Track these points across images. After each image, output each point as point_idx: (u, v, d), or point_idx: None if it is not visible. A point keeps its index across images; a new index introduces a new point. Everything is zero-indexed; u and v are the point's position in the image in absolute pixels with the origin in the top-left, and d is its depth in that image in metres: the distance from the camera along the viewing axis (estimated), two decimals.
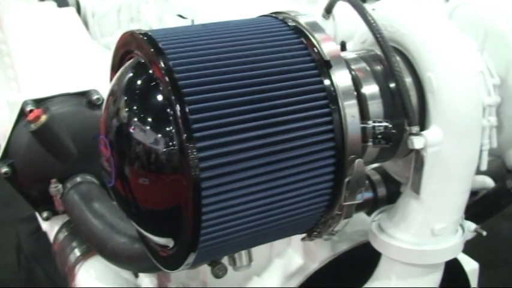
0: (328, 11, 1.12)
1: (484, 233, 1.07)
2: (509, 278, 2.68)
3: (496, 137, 0.99)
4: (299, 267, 1.20)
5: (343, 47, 1.09)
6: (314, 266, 1.17)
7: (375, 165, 1.15)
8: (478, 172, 1.01)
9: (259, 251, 0.92)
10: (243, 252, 0.89)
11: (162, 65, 0.75)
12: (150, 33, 0.81)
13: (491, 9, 1.00)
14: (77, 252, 1.34)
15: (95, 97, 1.37)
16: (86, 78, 1.50)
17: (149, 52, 0.78)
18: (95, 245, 1.22)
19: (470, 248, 1.51)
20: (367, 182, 1.15)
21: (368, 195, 1.15)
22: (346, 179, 0.82)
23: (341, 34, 1.16)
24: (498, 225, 2.92)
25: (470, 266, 1.35)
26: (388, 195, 1.15)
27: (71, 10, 2.09)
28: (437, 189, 0.92)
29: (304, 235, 0.93)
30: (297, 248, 1.21)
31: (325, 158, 0.81)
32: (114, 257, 1.18)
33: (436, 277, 1.00)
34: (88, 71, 1.61)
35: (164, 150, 0.75)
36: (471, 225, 1.05)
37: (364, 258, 1.06)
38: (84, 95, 1.38)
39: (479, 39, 0.98)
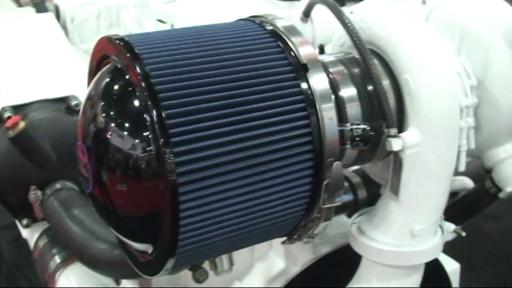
0: (306, 14, 1.13)
1: (464, 234, 1.07)
2: (492, 278, 2.70)
3: (473, 138, 1.00)
4: (281, 270, 1.20)
5: (321, 50, 1.10)
6: (296, 269, 1.17)
7: (355, 167, 1.15)
8: (458, 173, 1.02)
9: (240, 255, 0.92)
10: (224, 257, 0.89)
11: (138, 70, 0.75)
12: (126, 39, 0.80)
13: (467, 11, 1.01)
14: (57, 259, 1.34)
15: (73, 103, 1.36)
16: (65, 84, 1.49)
17: (125, 57, 0.77)
18: (74, 252, 1.21)
19: (451, 248, 1.52)
20: (347, 184, 1.15)
21: (348, 197, 1.15)
22: (325, 182, 0.82)
23: (320, 37, 1.17)
24: (481, 226, 2.94)
25: (451, 267, 1.36)
26: (368, 197, 1.15)
27: (50, 16, 2.07)
28: (416, 191, 0.92)
29: (284, 238, 0.93)
30: (278, 252, 1.21)
31: (303, 161, 0.81)
32: (94, 263, 1.17)
33: (417, 278, 1.00)
34: (67, 76, 1.60)
35: (141, 155, 0.74)
36: (450, 226, 1.05)
37: (345, 261, 1.06)
38: (63, 100, 1.38)
39: (455, 41, 0.99)
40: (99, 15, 2.12)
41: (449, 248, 1.51)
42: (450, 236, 1.14)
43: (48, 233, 1.39)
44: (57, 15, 2.16)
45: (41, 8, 2.17)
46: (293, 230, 0.89)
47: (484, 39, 0.99)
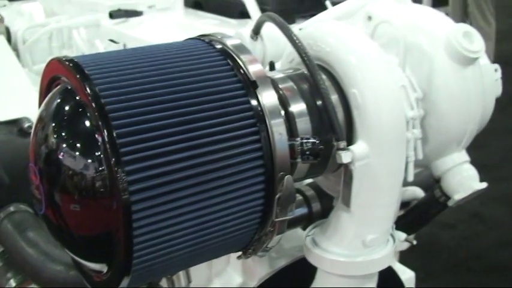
0: (256, 32, 1.14)
1: (415, 242, 1.10)
2: (448, 286, 2.75)
3: (421, 148, 1.02)
4: (239, 285, 1.21)
5: (271, 66, 1.11)
6: (253, 283, 1.18)
7: (308, 180, 1.17)
8: (409, 183, 1.04)
9: (198, 272, 0.92)
10: (181, 273, 0.89)
11: (89, 90, 0.76)
12: (76, 60, 0.81)
13: (411, 25, 1.04)
14: (12, 283, 1.32)
15: (26, 125, 1.35)
16: (17, 106, 1.48)
17: (75, 78, 0.78)
18: (30, 274, 1.20)
19: (408, 258, 1.55)
20: (301, 198, 1.17)
21: (303, 210, 1.17)
22: (277, 196, 0.84)
23: (270, 54, 1.18)
24: (438, 235, 2.99)
25: (406, 275, 1.39)
26: (322, 210, 1.17)
27: (0, 38, 2.05)
28: (367, 202, 0.95)
29: (240, 253, 0.94)
30: (236, 267, 1.22)
31: (255, 175, 0.83)
32: (50, 285, 1.16)
33: (371, 287, 1.02)
34: (19, 98, 1.59)
35: (93, 175, 0.75)
36: (402, 235, 1.08)
37: (302, 273, 1.07)
38: (15, 123, 1.37)
39: (400, 55, 1.01)
40: (51, 36, 2.12)
41: (406, 258, 1.54)
42: (404, 246, 1.16)
43: (3, 257, 1.38)
44: (8, 37, 2.14)
45: None
46: (248, 244, 0.90)
47: (428, 53, 1.02)
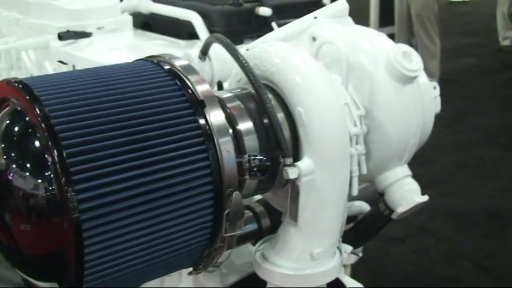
0: (204, 52, 1.17)
1: (360, 254, 1.13)
2: None
3: (365, 163, 1.05)
4: None
5: (220, 86, 1.14)
6: None
7: (258, 197, 1.19)
8: (354, 198, 1.07)
9: None
10: None
11: (38, 111, 0.77)
12: (25, 81, 0.82)
13: (353, 45, 1.08)
14: None
15: None
16: None
17: (24, 99, 0.79)
18: None
19: (359, 272, 1.58)
20: (251, 214, 1.19)
21: (253, 227, 1.19)
22: (226, 212, 0.86)
23: (218, 74, 1.21)
24: (387, 249, 3.04)
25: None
26: (272, 225, 1.19)
27: None
28: (313, 216, 0.98)
29: (191, 269, 0.95)
30: (188, 283, 1.23)
31: (204, 192, 0.85)
32: None
33: None
34: None
35: (44, 195, 0.76)
36: (348, 248, 1.11)
37: None
38: None
39: (343, 74, 1.04)
40: None
41: (356, 272, 1.57)
42: (353, 259, 1.19)
43: None
44: None
45: None
46: (198, 259, 0.92)
47: (369, 72, 1.06)
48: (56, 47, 1.73)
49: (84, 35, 1.78)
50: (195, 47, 1.26)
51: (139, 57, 0.99)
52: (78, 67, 1.58)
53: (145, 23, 1.92)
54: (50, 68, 1.73)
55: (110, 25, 1.84)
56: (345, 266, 1.24)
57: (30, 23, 1.94)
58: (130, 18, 1.92)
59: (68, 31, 1.77)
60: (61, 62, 1.68)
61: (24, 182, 0.77)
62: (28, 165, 0.78)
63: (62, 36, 1.75)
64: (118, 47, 1.68)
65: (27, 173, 0.78)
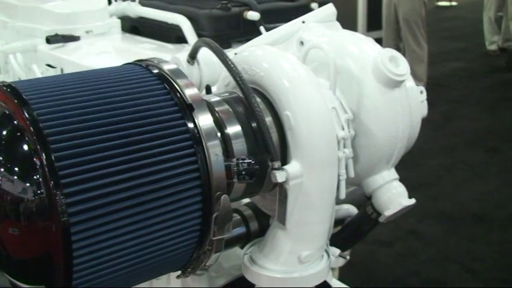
0: (193, 56, 1.17)
1: (348, 257, 1.13)
2: None
3: (352, 167, 1.06)
4: None
5: (208, 90, 1.14)
6: None
7: (246, 200, 1.20)
8: (342, 201, 1.08)
9: None
10: None
11: (27, 115, 0.77)
12: (13, 85, 0.82)
13: (340, 50, 1.08)
14: None
15: None
16: None
17: (13, 103, 0.79)
18: None
19: (347, 275, 1.59)
20: (239, 217, 1.20)
21: (241, 230, 1.19)
22: (214, 215, 0.87)
23: (206, 78, 1.21)
24: (375, 252, 3.05)
25: None
26: (260, 229, 1.19)
27: None
28: (301, 219, 0.98)
29: (179, 272, 0.96)
30: (176, 286, 1.23)
31: (192, 195, 0.85)
32: None
33: None
34: None
35: (32, 198, 0.76)
36: (336, 251, 1.11)
37: None
38: None
39: (331, 78, 1.05)
40: None
41: (345, 275, 1.58)
42: (340, 262, 1.19)
43: None
44: None
45: None
46: (187, 263, 0.92)
47: (356, 76, 1.07)
48: (44, 51, 1.72)
49: (73, 38, 1.78)
50: (184, 51, 1.27)
51: (127, 61, 0.99)
52: (67, 71, 1.58)
53: (134, 26, 1.92)
54: (38, 71, 1.73)
55: (98, 29, 1.84)
56: (332, 269, 1.25)
57: (18, 26, 1.94)
58: (118, 22, 1.92)
59: (56, 35, 1.77)
60: (49, 65, 1.68)
61: (13, 186, 0.77)
62: (16, 168, 0.78)
63: (50, 40, 1.75)
64: (106, 50, 1.68)
65: (16, 177, 0.78)
